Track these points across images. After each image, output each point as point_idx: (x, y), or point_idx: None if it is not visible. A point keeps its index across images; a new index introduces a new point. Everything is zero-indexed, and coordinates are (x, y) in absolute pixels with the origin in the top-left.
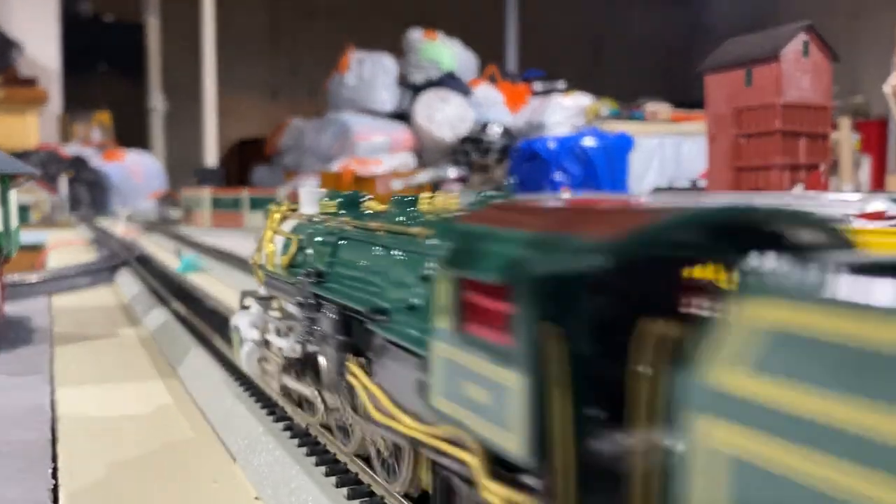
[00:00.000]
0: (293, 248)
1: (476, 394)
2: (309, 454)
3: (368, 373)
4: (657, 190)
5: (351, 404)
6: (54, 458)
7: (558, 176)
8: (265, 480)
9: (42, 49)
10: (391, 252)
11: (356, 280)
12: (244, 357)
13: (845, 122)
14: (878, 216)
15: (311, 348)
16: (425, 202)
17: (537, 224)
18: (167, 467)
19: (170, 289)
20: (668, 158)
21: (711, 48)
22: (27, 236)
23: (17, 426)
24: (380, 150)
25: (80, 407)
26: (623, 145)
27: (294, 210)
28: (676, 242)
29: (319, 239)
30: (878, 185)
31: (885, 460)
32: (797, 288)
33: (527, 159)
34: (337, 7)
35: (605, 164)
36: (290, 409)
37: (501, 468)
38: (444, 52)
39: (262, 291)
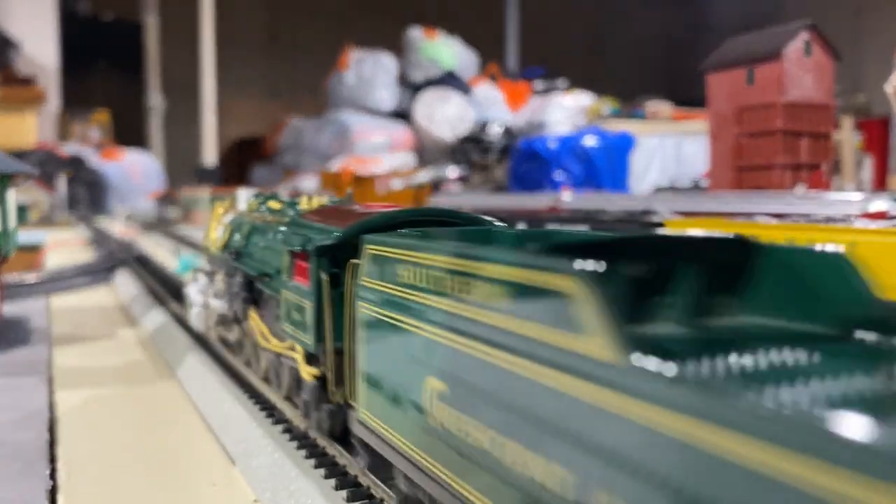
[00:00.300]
0: (226, 235)
1: (297, 316)
2: (308, 456)
3: (260, 316)
4: (658, 189)
5: (253, 340)
6: (52, 460)
7: (559, 175)
8: (264, 483)
9: (40, 48)
10: (270, 237)
11: (254, 256)
12: (193, 316)
13: (847, 122)
14: (880, 216)
15: (234, 305)
16: (303, 203)
17: (325, 220)
18: (165, 470)
19: (169, 289)
20: (670, 157)
21: (713, 47)
22: (25, 236)
23: (15, 427)
24: (379, 150)
25: (79, 408)
26: (624, 144)
27: (232, 207)
28: (370, 229)
29: (239, 228)
30: (881, 184)
31: (410, 308)
32: (390, 239)
33: (527, 159)
34: (336, 5)
35: (606, 164)
36: (225, 352)
37: (311, 359)
38: (444, 50)
39: (207, 267)
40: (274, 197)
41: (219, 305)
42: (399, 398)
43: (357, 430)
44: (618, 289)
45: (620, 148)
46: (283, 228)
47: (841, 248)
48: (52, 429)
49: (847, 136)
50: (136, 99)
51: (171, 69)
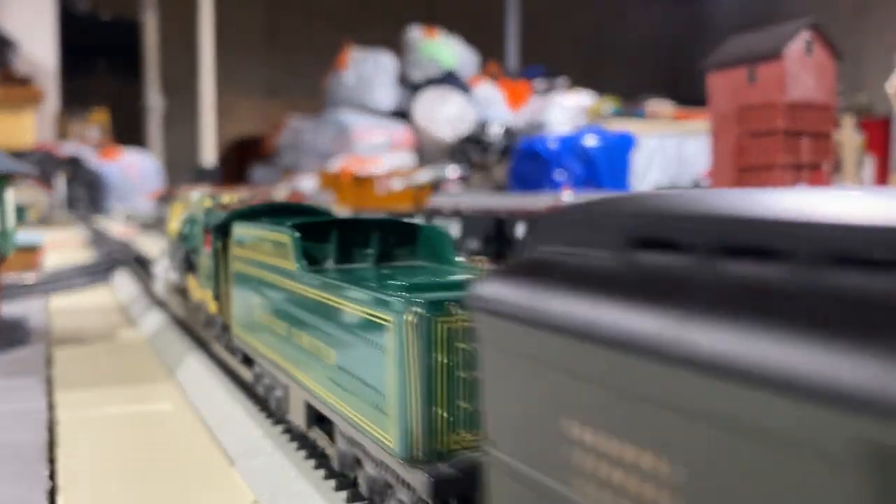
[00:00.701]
0: (181, 226)
1: (207, 273)
2: (308, 457)
3: (194, 278)
4: (659, 189)
5: (189, 296)
6: (51, 461)
7: (559, 175)
8: (263, 484)
9: (38, 47)
10: (198, 223)
11: (190, 237)
12: (160, 287)
13: (848, 121)
14: None
15: (181, 274)
16: (226, 199)
17: (224, 210)
18: (164, 470)
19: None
20: (671, 157)
21: (714, 46)
22: (24, 236)
23: (13, 428)
24: (379, 149)
25: (78, 409)
26: (625, 144)
27: (187, 205)
28: (241, 216)
29: (186, 219)
30: (882, 184)
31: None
32: (240, 222)
33: (527, 158)
34: (336, 5)
35: (607, 163)
36: (181, 311)
37: (216, 299)
38: (444, 50)
39: (168, 251)
40: (214, 197)
41: (174, 277)
42: (253, 319)
43: (235, 341)
44: (303, 241)
45: (621, 148)
46: (203, 216)
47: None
48: (51, 429)
49: (848, 136)
50: (135, 98)
51: (170, 68)
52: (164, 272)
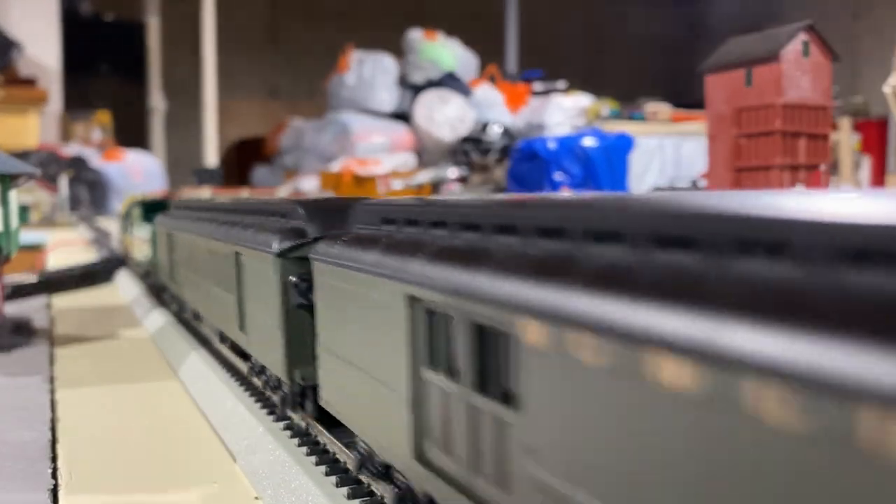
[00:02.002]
0: (124, 210)
1: (143, 242)
2: (309, 454)
3: (129, 237)
4: (657, 190)
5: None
6: (54, 459)
7: (558, 176)
8: (265, 481)
9: (42, 49)
10: (131, 208)
11: (128, 215)
12: (116, 242)
13: (845, 123)
14: None
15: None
16: (140, 197)
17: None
18: (167, 468)
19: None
20: (669, 158)
21: (711, 48)
22: (27, 236)
23: (16, 427)
24: (380, 151)
25: (80, 408)
26: (623, 145)
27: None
28: (150, 203)
29: (128, 206)
30: (879, 184)
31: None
32: (145, 205)
33: (527, 159)
34: (337, 7)
35: (605, 164)
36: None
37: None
38: (444, 52)
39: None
40: (141, 196)
41: (120, 237)
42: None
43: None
44: (148, 210)
45: (619, 149)
46: (133, 205)
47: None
48: (53, 428)
49: (845, 137)
50: (138, 100)
51: (172, 70)
52: (117, 234)
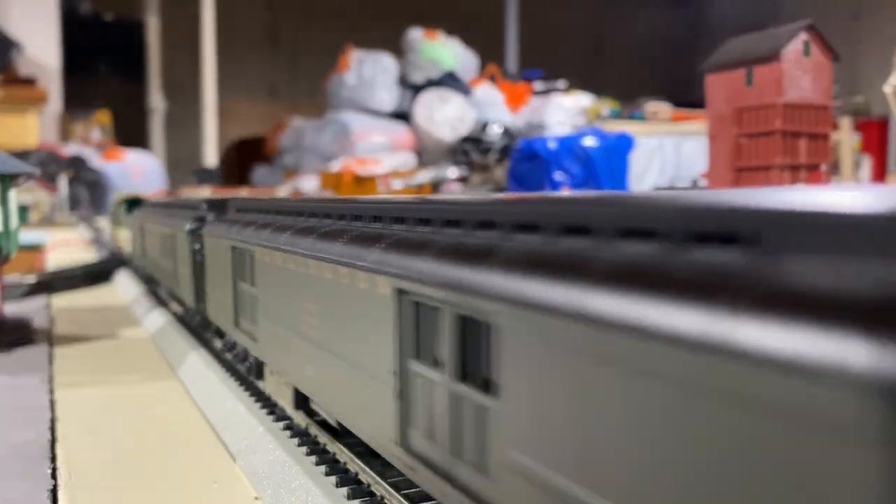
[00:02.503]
0: (113, 205)
1: (125, 231)
2: (309, 454)
3: (117, 229)
4: (657, 190)
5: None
6: (53, 459)
7: (558, 176)
8: (265, 481)
9: (42, 48)
10: (118, 203)
11: (116, 210)
12: (106, 233)
13: (846, 122)
14: None
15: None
16: (124, 195)
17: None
18: (167, 468)
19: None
20: (669, 158)
21: (712, 48)
22: (26, 236)
23: (16, 427)
24: (379, 150)
25: (80, 408)
26: (623, 145)
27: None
28: (130, 199)
29: (115, 202)
30: (879, 183)
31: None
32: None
33: (527, 159)
34: (337, 6)
35: (606, 164)
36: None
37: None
38: (444, 51)
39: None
40: (124, 194)
41: (110, 228)
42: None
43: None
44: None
45: (620, 148)
46: (119, 201)
47: None
48: (53, 428)
49: (845, 137)
50: (138, 99)
51: (172, 69)
52: (107, 225)
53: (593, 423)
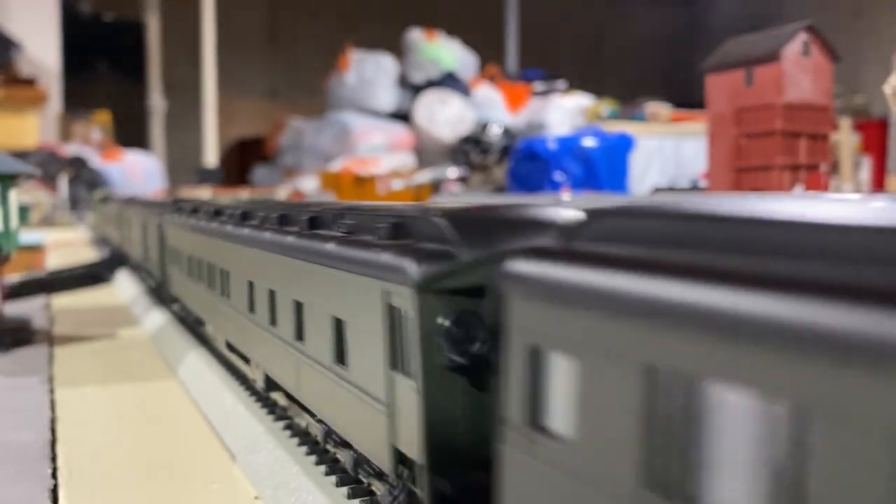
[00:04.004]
0: (96, 200)
1: (110, 222)
2: (309, 453)
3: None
4: (657, 190)
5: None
6: (53, 459)
7: (558, 176)
8: (265, 480)
9: (42, 48)
10: (101, 198)
11: (97, 207)
12: (90, 221)
13: (846, 123)
14: None
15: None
16: (102, 194)
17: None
18: (167, 468)
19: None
20: (669, 159)
21: (712, 48)
22: (26, 236)
23: (15, 427)
24: (379, 150)
25: (80, 407)
26: (623, 145)
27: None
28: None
29: (97, 198)
30: (879, 185)
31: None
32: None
33: (527, 159)
34: (337, 6)
35: (606, 165)
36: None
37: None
38: (444, 52)
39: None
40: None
41: (93, 219)
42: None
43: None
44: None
45: (620, 149)
46: (99, 197)
47: None
48: (53, 428)
49: (845, 138)
50: (138, 99)
51: (172, 70)
52: (90, 217)
53: None
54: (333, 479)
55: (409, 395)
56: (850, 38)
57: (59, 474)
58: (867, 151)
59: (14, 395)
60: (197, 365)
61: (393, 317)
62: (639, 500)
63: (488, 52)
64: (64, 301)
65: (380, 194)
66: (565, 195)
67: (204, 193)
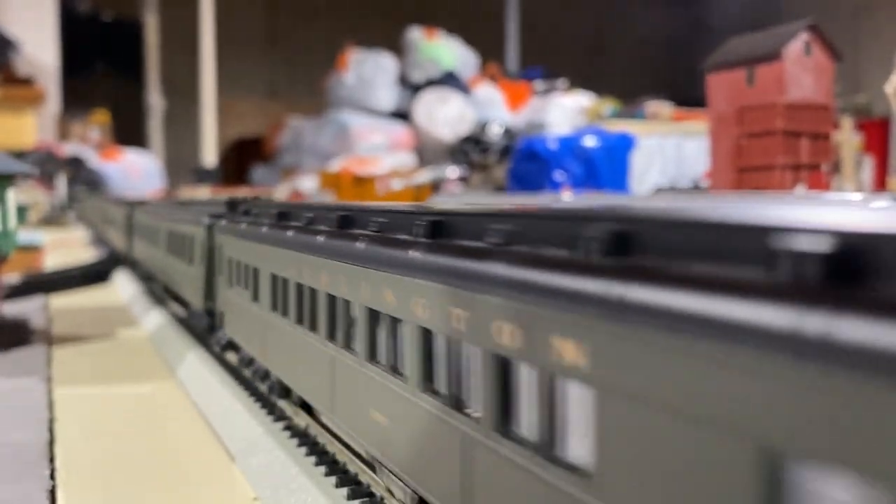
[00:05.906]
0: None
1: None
2: (308, 454)
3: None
4: (659, 190)
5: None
6: (52, 460)
7: (559, 176)
8: (264, 481)
9: (40, 48)
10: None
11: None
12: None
13: (847, 122)
14: None
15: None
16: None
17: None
18: (165, 468)
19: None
20: (670, 158)
21: (713, 47)
22: (25, 236)
23: (14, 427)
24: (379, 150)
25: (78, 408)
26: (624, 145)
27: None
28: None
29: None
30: (881, 185)
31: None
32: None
33: (527, 159)
34: (336, 5)
35: (607, 164)
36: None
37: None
38: (443, 50)
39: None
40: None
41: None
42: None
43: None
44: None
45: (621, 148)
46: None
47: None
48: (51, 428)
49: (847, 137)
50: (136, 99)
51: (170, 69)
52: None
53: None
54: (333, 479)
55: None
56: (851, 37)
57: (58, 475)
58: (869, 151)
59: (13, 396)
60: (196, 365)
61: None
62: None
63: (488, 50)
64: (62, 301)
65: (379, 194)
66: (566, 195)
67: (203, 193)
